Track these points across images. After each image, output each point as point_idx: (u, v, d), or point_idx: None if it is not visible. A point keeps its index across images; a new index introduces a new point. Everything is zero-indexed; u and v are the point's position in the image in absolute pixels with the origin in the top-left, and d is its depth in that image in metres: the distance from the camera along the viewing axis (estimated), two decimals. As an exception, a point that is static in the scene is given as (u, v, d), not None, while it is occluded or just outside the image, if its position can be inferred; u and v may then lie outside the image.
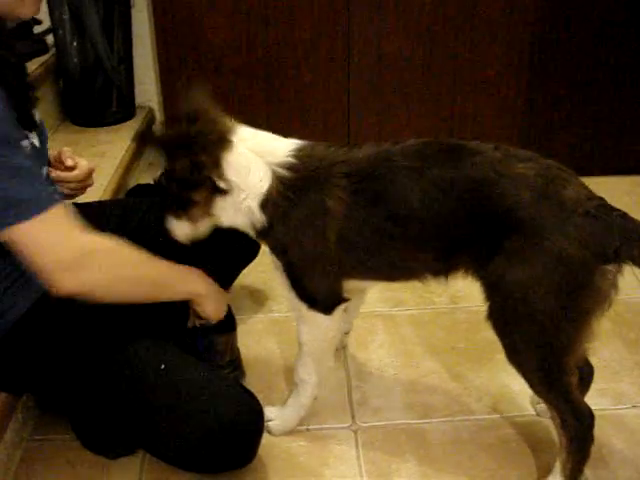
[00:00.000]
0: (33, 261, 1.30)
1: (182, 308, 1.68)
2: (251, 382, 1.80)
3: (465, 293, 2.16)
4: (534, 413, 1.73)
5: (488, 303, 1.45)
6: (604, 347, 1.94)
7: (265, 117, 2.73)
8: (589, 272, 1.34)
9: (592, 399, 1.75)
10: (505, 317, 1.42)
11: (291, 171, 1.46)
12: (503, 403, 1.76)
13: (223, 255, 1.99)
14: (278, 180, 1.46)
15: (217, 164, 1.45)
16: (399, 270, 1.52)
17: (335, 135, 2.76)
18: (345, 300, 1.55)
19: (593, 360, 1.87)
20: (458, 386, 1.82)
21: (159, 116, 2.91)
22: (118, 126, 2.87)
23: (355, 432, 1.68)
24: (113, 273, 1.40)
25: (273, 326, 2.04)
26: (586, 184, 1.40)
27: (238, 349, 1.81)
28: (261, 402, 1.53)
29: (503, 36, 2.67)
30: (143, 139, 2.92)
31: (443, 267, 1.48)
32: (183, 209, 1.54)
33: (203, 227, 1.59)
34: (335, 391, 1.80)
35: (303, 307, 1.54)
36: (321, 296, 1.52)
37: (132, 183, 2.63)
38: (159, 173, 2.58)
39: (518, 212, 1.34)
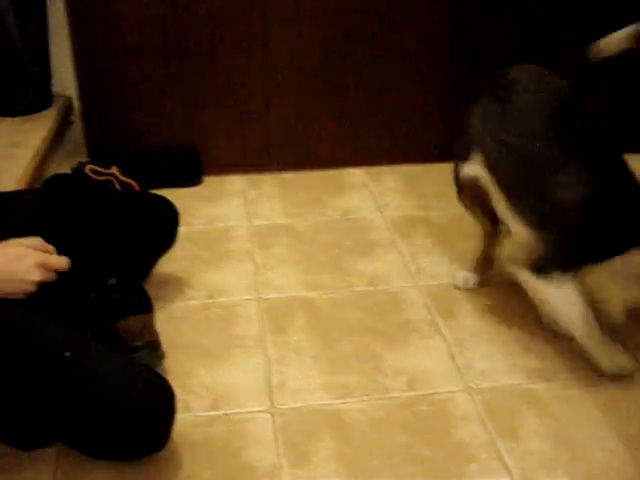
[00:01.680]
0: None
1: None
2: (169, 368, 1.80)
3: (383, 274, 2.20)
4: (448, 390, 1.76)
5: None
6: (516, 324, 1.99)
7: (183, 102, 2.71)
8: None
9: (504, 374, 1.81)
10: None
11: None
12: (418, 381, 1.79)
13: (139, 244, 1.99)
14: None
15: None
16: None
17: (254, 117, 2.76)
18: None
19: (505, 337, 1.93)
20: (375, 366, 1.84)
21: (77, 104, 2.86)
22: (34, 115, 2.82)
23: (273, 415, 1.69)
24: None
25: (191, 313, 2.04)
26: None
27: (156, 331, 1.80)
28: (180, 389, 1.53)
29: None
30: (61, 128, 2.90)
31: None
32: None
33: None
34: (253, 376, 1.81)
35: None
36: None
37: (50, 173, 2.60)
38: (76, 162, 2.58)
39: None
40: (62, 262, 1.59)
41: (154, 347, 1.76)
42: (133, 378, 1.47)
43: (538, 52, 2.69)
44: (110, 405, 1.42)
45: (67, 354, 1.44)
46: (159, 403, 1.47)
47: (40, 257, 1.55)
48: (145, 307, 1.75)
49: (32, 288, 1.54)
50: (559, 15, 2.73)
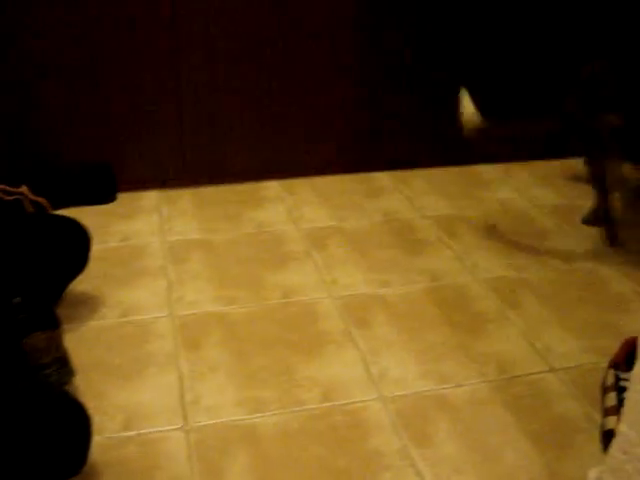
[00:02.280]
0: None
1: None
2: (82, 389, 1.78)
3: (298, 286, 2.21)
4: (362, 400, 1.78)
5: None
6: (429, 330, 2.03)
7: (94, 119, 2.68)
8: None
9: (416, 381, 1.84)
10: None
11: None
12: (333, 392, 1.80)
13: (49, 266, 1.96)
14: None
15: None
16: None
17: (167, 132, 2.75)
18: None
19: (418, 344, 1.96)
20: (289, 378, 1.84)
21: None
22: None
23: (187, 432, 1.68)
24: None
25: (104, 332, 2.01)
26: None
27: (64, 347, 1.77)
28: (92, 410, 1.50)
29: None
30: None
31: None
32: None
33: None
34: (167, 394, 1.79)
35: None
36: None
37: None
38: None
39: None
40: None
41: (62, 363, 1.73)
42: (47, 401, 1.43)
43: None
44: (23, 430, 1.38)
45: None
46: (76, 427, 1.44)
47: None
48: (51, 323, 1.72)
49: None
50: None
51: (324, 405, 1.76)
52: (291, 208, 2.68)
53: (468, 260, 2.37)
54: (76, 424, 1.46)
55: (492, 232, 2.54)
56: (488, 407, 1.77)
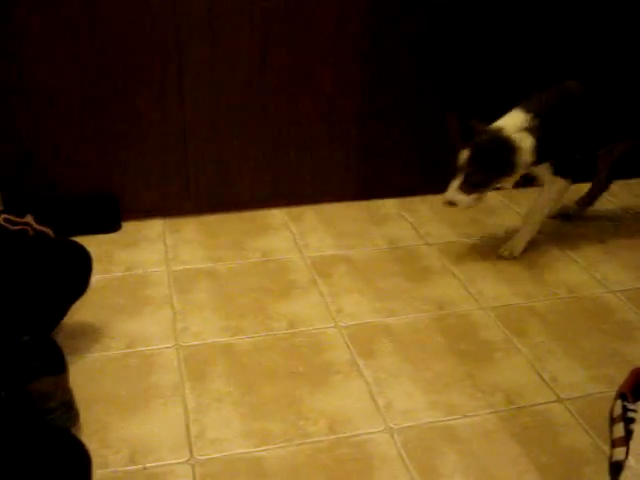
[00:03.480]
0: None
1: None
2: (86, 423, 1.77)
3: (304, 316, 2.20)
4: (369, 432, 1.77)
5: None
6: (435, 360, 2.02)
7: (99, 148, 2.69)
8: None
9: (424, 412, 1.83)
10: None
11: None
12: (339, 423, 1.79)
13: (52, 291, 1.95)
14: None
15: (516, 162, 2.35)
16: None
17: (172, 161, 2.76)
18: None
19: (424, 374, 1.95)
20: (296, 410, 1.83)
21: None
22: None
23: (193, 466, 1.67)
24: None
25: (109, 364, 2.00)
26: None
27: (70, 390, 1.77)
28: (97, 443, 1.49)
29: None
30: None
31: None
32: (478, 188, 2.39)
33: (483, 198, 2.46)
34: (172, 426, 1.78)
35: None
36: None
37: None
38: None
39: None
40: None
41: (67, 407, 1.72)
42: (47, 445, 1.42)
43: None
44: (23, 469, 1.37)
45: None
46: (77, 468, 1.43)
47: None
48: (59, 367, 1.71)
49: None
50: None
51: (330, 437, 1.75)
52: (296, 236, 2.68)
53: (473, 288, 2.36)
54: (76, 462, 1.45)
55: (497, 259, 2.54)
56: (496, 438, 1.76)
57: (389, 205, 2.94)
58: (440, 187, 2.45)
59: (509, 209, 2.93)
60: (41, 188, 2.71)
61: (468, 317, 2.21)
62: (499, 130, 2.38)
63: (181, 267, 2.48)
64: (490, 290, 2.35)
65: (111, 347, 2.07)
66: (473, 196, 2.40)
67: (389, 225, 2.78)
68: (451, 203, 2.40)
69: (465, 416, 1.83)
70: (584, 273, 2.46)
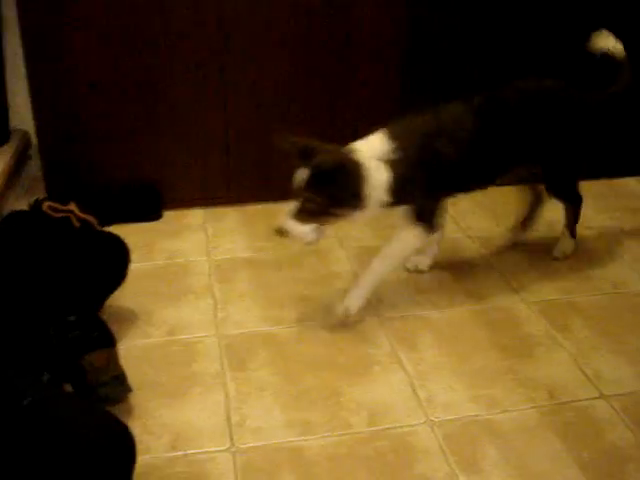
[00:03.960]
0: None
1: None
2: (128, 408, 1.79)
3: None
4: (409, 424, 1.76)
5: None
6: (477, 354, 2.00)
7: (142, 137, 2.70)
8: None
9: (465, 405, 1.82)
10: None
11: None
12: (379, 416, 1.79)
13: (92, 280, 1.98)
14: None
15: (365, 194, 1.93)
16: None
17: (214, 150, 2.76)
18: None
19: (466, 367, 1.94)
20: (337, 401, 1.84)
21: (34, 140, 2.84)
22: (-9, 150, 2.81)
23: (234, 454, 1.68)
24: None
25: (151, 351, 2.01)
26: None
27: (121, 365, 1.79)
28: (139, 429, 1.50)
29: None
30: (19, 164, 2.87)
31: None
32: (316, 217, 1.95)
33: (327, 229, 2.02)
34: (213, 414, 1.79)
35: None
36: None
37: (7, 209, 2.57)
38: (34, 199, 2.56)
39: None
40: None
41: (120, 381, 1.75)
42: (94, 426, 1.44)
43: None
44: (69, 453, 1.39)
45: (25, 402, 1.41)
46: (119, 451, 1.44)
47: None
48: (108, 341, 1.74)
49: None
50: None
51: (371, 429, 1.75)
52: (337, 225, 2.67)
53: (515, 281, 2.34)
54: (121, 447, 1.46)
55: (539, 253, 2.51)
56: (537, 433, 1.74)
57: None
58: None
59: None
60: (84, 176, 2.74)
61: (510, 311, 2.19)
62: (350, 152, 1.98)
63: (222, 256, 2.49)
64: (532, 284, 2.33)
65: (152, 334, 2.08)
66: (310, 226, 1.98)
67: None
68: (283, 233, 2.00)
69: (506, 411, 1.82)
70: (629, 269, 2.43)
